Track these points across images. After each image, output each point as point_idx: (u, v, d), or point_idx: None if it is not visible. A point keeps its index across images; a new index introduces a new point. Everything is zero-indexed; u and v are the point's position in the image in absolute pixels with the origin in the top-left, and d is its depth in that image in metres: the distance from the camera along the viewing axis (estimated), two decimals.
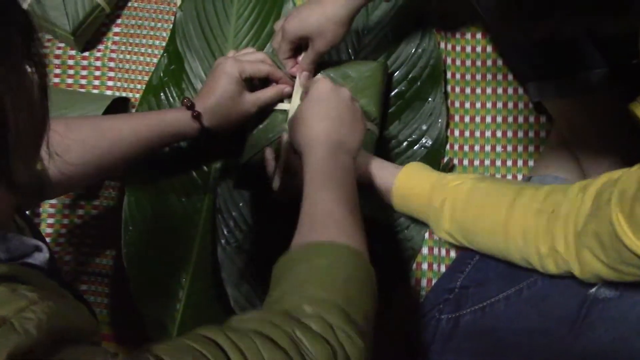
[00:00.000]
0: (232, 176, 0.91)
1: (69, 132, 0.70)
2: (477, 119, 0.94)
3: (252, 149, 0.86)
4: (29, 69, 0.40)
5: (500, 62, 0.95)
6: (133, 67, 1.03)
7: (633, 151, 0.80)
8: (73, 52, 1.04)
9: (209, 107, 0.80)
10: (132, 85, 1.02)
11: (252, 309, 0.77)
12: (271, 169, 0.82)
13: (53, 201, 0.99)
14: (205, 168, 0.94)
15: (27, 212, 0.66)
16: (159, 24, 1.04)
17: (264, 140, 0.86)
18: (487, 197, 0.68)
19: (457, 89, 0.95)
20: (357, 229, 0.61)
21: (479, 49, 0.96)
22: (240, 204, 0.91)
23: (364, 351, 0.50)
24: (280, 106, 0.87)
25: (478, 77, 0.95)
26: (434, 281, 0.89)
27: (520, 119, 0.93)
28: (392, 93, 0.94)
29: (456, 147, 0.94)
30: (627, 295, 0.62)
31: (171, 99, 0.96)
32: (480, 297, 0.74)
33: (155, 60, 1.02)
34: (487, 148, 0.93)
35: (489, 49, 0.96)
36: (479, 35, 0.96)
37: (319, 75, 0.85)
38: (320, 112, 0.71)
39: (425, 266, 0.90)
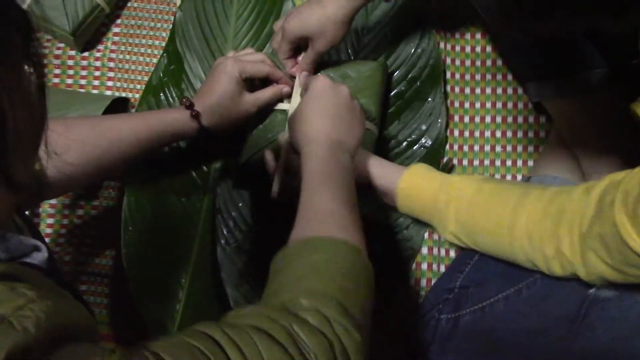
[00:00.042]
0: (231, 176, 0.91)
1: (67, 131, 0.70)
2: (477, 119, 0.94)
3: (252, 148, 0.86)
4: (27, 69, 0.40)
5: (499, 62, 0.95)
6: (133, 67, 1.03)
7: (633, 151, 0.80)
8: (73, 52, 1.04)
9: (209, 107, 0.80)
10: (131, 86, 1.02)
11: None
12: (271, 171, 0.82)
13: (53, 201, 0.99)
14: (204, 168, 0.94)
15: (26, 213, 0.66)
16: (159, 24, 1.04)
17: (263, 140, 0.86)
18: (493, 199, 0.68)
19: (457, 89, 0.95)
20: (355, 225, 0.61)
21: (478, 49, 0.96)
22: (240, 204, 0.91)
23: (361, 344, 0.50)
24: (280, 106, 0.87)
25: (478, 77, 0.95)
26: (433, 281, 0.89)
27: (520, 119, 0.93)
28: (392, 93, 0.94)
29: (456, 147, 0.94)
30: (626, 295, 0.62)
31: (171, 99, 0.96)
32: (480, 297, 0.74)
33: (154, 60, 1.02)
34: (487, 148, 0.93)
35: (488, 49, 0.96)
36: (478, 35, 0.96)
37: (318, 74, 0.85)
38: (320, 109, 0.71)
39: (424, 266, 0.90)
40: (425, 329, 0.77)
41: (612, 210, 0.53)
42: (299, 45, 0.84)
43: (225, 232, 0.90)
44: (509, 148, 0.93)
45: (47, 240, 0.95)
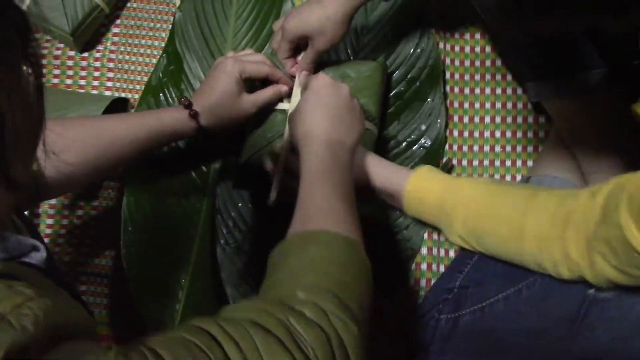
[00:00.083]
0: (231, 176, 0.91)
1: (66, 131, 0.70)
2: (476, 119, 0.94)
3: (252, 148, 0.86)
4: (25, 69, 0.40)
5: (499, 62, 0.95)
6: (132, 67, 1.03)
7: (633, 151, 0.80)
8: (72, 53, 1.04)
9: (207, 106, 0.80)
10: (131, 86, 1.02)
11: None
12: (271, 173, 0.82)
13: (52, 202, 0.99)
14: (204, 168, 0.94)
15: (25, 213, 0.66)
16: (158, 25, 1.04)
17: (263, 140, 0.86)
18: (500, 202, 0.68)
19: (456, 89, 0.95)
20: (352, 220, 0.61)
21: (477, 49, 0.96)
22: (240, 204, 0.90)
23: (359, 337, 0.50)
24: (281, 106, 0.87)
25: (477, 77, 0.95)
26: (433, 281, 0.88)
27: (519, 119, 0.93)
28: (391, 93, 0.94)
29: (455, 147, 0.94)
30: (626, 296, 0.62)
31: (170, 100, 0.96)
32: (480, 297, 0.74)
33: (154, 60, 1.02)
34: (486, 148, 0.93)
35: (487, 49, 0.96)
36: (477, 35, 0.96)
37: (319, 73, 0.85)
38: (319, 107, 0.71)
39: (424, 266, 0.90)
40: (425, 329, 0.77)
41: (618, 214, 0.53)
42: (299, 45, 0.84)
43: (225, 232, 0.90)
44: (508, 148, 0.93)
45: (46, 240, 0.95)
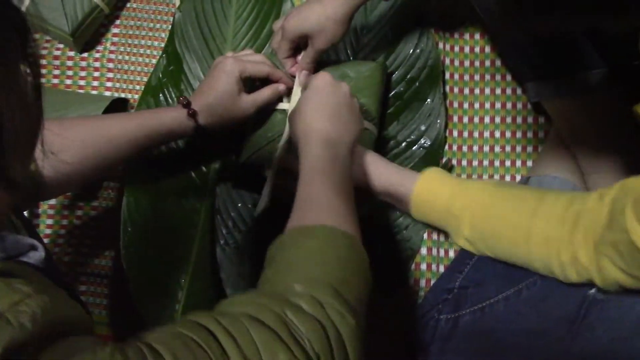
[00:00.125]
0: (231, 176, 0.91)
1: (64, 131, 0.70)
2: (476, 120, 0.94)
3: (252, 148, 0.86)
4: (24, 69, 0.40)
5: (498, 63, 0.95)
6: (132, 68, 1.03)
7: (634, 152, 0.80)
8: (72, 53, 1.04)
9: (206, 106, 0.80)
10: (130, 86, 1.02)
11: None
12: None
13: (52, 202, 0.99)
14: (204, 168, 0.94)
15: (24, 213, 0.66)
16: (158, 25, 1.04)
17: (263, 140, 0.86)
18: (508, 205, 0.68)
19: (456, 90, 0.95)
20: (351, 216, 0.61)
21: (477, 49, 0.96)
22: (239, 205, 0.90)
23: (356, 330, 0.50)
24: (281, 106, 0.87)
25: (477, 77, 0.95)
26: (432, 281, 0.88)
27: (519, 120, 0.93)
28: (391, 94, 0.94)
29: (455, 147, 0.93)
30: (626, 296, 0.62)
31: (170, 100, 0.96)
32: (479, 297, 0.73)
33: (154, 61, 1.02)
34: (486, 148, 0.93)
35: (487, 49, 0.95)
36: (477, 36, 0.96)
37: (320, 71, 0.85)
38: (319, 105, 0.71)
39: (424, 266, 0.90)
40: (425, 329, 0.77)
41: (624, 217, 0.53)
42: (299, 45, 0.84)
43: (224, 233, 0.90)
44: (508, 148, 0.93)
45: (46, 240, 0.95)
